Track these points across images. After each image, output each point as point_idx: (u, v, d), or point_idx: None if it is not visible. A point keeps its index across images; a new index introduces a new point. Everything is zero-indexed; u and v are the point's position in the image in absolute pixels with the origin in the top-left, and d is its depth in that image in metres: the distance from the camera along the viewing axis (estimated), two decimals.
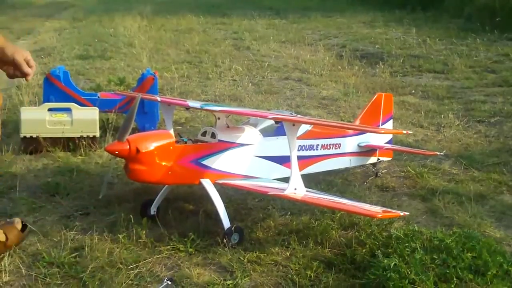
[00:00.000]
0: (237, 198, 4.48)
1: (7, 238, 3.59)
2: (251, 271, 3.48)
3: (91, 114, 5.63)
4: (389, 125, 5.15)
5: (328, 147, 4.59)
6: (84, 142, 5.51)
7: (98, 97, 6.05)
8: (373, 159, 5.01)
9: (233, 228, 3.75)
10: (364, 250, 3.62)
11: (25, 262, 3.53)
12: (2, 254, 3.56)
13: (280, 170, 4.19)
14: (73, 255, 3.61)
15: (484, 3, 13.79)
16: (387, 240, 3.61)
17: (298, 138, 3.94)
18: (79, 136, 5.52)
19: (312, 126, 4.43)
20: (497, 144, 6.00)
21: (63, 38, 13.40)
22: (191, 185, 4.32)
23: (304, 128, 4.29)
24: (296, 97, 8.00)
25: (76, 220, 4.13)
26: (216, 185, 3.90)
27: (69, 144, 5.52)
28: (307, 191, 3.82)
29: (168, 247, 3.73)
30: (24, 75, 3.13)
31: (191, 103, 4.45)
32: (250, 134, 4.14)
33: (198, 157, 3.89)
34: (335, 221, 4.07)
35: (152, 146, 3.75)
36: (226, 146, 4.00)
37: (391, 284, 3.10)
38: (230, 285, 3.36)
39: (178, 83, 8.50)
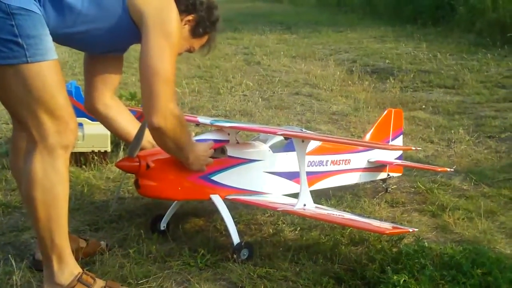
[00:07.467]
0: (247, 213, 4.49)
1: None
2: (261, 287, 3.48)
3: (103, 129, 5.57)
4: (399, 141, 5.15)
5: (338, 163, 4.59)
6: (95, 157, 5.56)
7: None
8: (383, 175, 5.01)
9: (242, 244, 3.75)
10: (374, 266, 3.60)
11: (36, 277, 3.54)
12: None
13: (290, 186, 4.20)
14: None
15: (495, 18, 13.75)
16: (397, 256, 3.59)
17: (308, 153, 3.95)
18: (90, 151, 5.55)
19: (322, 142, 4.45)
20: (507, 160, 5.97)
21: (75, 52, 13.38)
22: (201, 201, 4.34)
23: (313, 143, 4.30)
24: (306, 112, 8.01)
25: (87, 234, 4.15)
26: (225, 200, 3.92)
27: (80, 159, 5.54)
28: (316, 207, 3.83)
29: (179, 262, 3.74)
30: None
31: (201, 119, 4.46)
32: (260, 150, 4.15)
33: (208, 173, 3.90)
34: (345, 236, 4.07)
35: (162, 162, 3.77)
36: (236, 162, 4.01)
37: None
38: None
39: (189, 98, 8.54)
